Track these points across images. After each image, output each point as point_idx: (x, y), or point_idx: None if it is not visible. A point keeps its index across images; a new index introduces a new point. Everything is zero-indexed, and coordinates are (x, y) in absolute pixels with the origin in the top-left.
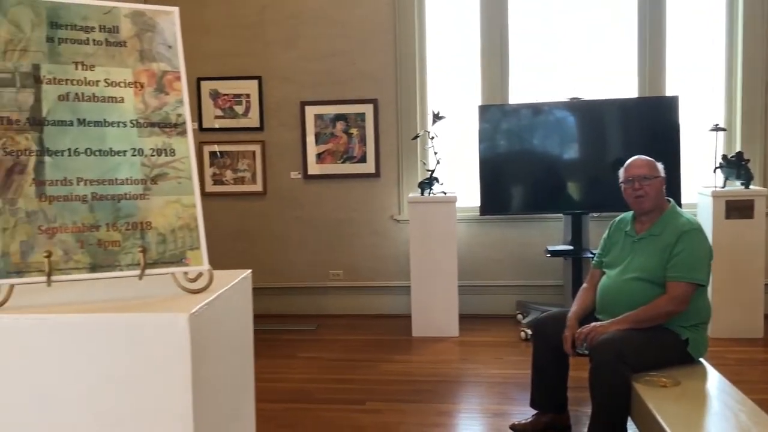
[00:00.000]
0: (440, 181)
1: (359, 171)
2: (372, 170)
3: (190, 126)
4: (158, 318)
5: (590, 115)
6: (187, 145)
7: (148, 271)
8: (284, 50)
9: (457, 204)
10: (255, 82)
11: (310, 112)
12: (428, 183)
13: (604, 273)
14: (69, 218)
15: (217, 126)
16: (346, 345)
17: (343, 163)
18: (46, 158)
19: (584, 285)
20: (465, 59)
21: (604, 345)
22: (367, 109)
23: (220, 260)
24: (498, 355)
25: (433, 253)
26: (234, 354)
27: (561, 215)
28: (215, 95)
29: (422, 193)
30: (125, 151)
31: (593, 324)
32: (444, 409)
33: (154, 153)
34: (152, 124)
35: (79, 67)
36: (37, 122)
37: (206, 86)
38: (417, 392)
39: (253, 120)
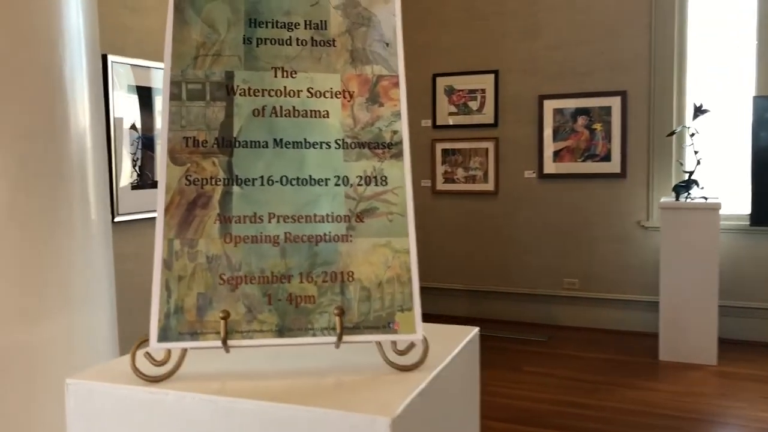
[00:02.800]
0: (700, 185)
1: (602, 170)
2: (617, 170)
3: (407, 146)
4: (351, 419)
5: None
6: (402, 172)
7: (346, 338)
8: (523, 41)
9: (721, 211)
10: (491, 77)
11: (549, 106)
12: (685, 186)
13: None
14: (256, 265)
15: (450, 123)
16: (580, 362)
17: (583, 161)
18: (234, 188)
19: None
20: (734, 44)
21: None
22: (614, 102)
23: (445, 261)
24: None
25: (689, 266)
26: None
27: None
28: (450, 91)
29: (677, 198)
30: (327, 179)
31: None
32: None
33: (362, 181)
34: (361, 145)
35: (279, 73)
36: (226, 143)
37: (441, 82)
38: (665, 428)
39: (487, 116)
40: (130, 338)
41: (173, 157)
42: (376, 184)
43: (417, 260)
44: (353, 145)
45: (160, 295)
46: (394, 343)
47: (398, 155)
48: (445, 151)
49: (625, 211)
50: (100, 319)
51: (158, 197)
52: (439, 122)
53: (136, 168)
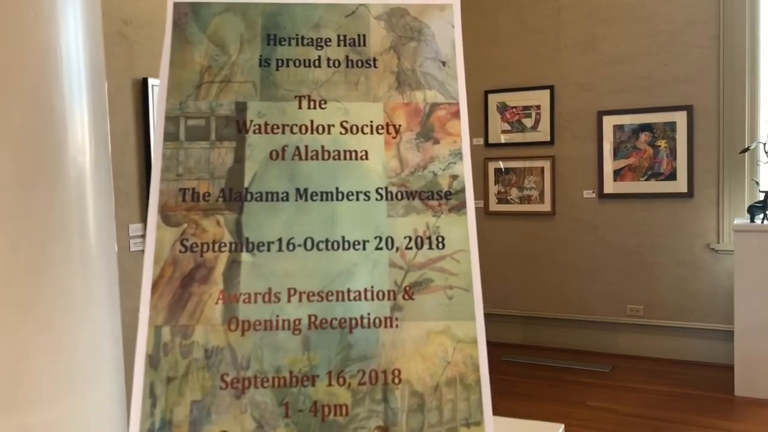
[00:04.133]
0: None
1: (667, 190)
2: (683, 189)
3: (471, 195)
4: None
5: None
6: (465, 230)
7: None
8: (580, 54)
9: None
10: (546, 92)
11: (609, 122)
12: (762, 207)
13: None
14: (269, 361)
15: (503, 141)
16: (646, 397)
17: (646, 180)
18: (244, 255)
19: None
20: None
21: None
22: (679, 118)
23: (499, 286)
24: None
25: (767, 292)
26: None
27: None
28: (503, 108)
29: (753, 219)
30: (365, 241)
31: None
32: None
33: (411, 244)
34: (410, 195)
35: (304, 103)
36: (235, 196)
37: (494, 99)
38: None
39: (542, 133)
40: None
41: (165, 215)
42: (431, 248)
43: (486, 355)
44: (400, 196)
45: (141, 405)
46: None
47: (459, 208)
48: (498, 171)
49: (693, 233)
50: (101, 406)
51: (144, 270)
52: (491, 140)
53: None
